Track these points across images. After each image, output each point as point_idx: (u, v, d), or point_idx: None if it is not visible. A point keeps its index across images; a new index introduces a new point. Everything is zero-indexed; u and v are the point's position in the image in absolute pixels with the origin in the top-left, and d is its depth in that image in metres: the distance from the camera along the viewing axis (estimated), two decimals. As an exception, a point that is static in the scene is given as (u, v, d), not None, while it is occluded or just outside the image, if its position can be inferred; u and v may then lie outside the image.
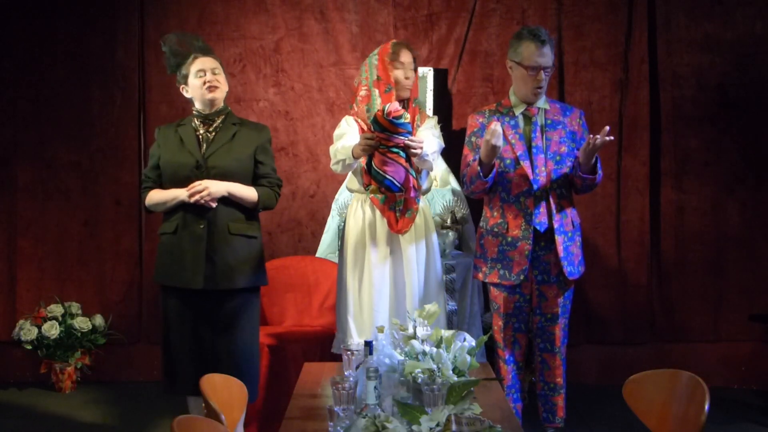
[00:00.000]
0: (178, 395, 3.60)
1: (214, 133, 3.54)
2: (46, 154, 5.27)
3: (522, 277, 3.70)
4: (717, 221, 5.14)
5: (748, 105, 5.12)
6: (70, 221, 5.29)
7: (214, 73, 3.53)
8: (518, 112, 3.75)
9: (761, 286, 5.11)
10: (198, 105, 3.57)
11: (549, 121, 3.76)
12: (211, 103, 3.54)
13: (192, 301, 3.47)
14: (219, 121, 3.56)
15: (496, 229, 3.74)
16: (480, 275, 3.83)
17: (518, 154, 3.69)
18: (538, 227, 3.69)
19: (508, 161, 3.70)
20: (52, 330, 4.97)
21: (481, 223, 3.86)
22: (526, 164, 3.68)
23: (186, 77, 3.56)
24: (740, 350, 5.14)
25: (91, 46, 5.25)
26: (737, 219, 5.14)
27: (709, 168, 5.14)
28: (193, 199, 3.40)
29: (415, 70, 3.76)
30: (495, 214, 3.76)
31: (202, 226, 3.44)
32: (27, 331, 5.01)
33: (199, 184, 3.41)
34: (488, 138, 3.47)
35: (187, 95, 3.59)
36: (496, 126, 3.47)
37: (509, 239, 3.71)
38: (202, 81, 3.51)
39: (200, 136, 3.54)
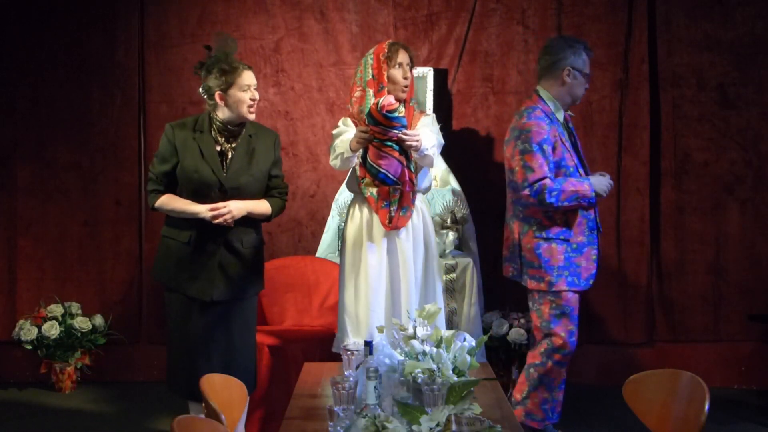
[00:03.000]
0: (178, 396, 3.62)
1: (234, 150, 3.50)
2: (46, 154, 5.27)
3: (591, 282, 3.76)
4: (717, 221, 5.14)
5: (748, 105, 5.11)
6: (70, 221, 5.29)
7: (256, 90, 3.51)
8: (561, 118, 3.79)
9: (761, 286, 5.10)
10: (224, 115, 3.48)
11: (571, 126, 3.87)
12: (244, 119, 3.51)
13: (199, 304, 3.48)
14: (240, 135, 3.52)
15: (562, 237, 3.72)
16: (543, 285, 3.73)
17: (575, 161, 3.75)
18: (599, 228, 3.80)
19: (571, 169, 3.73)
20: (52, 330, 4.97)
21: (535, 233, 3.74)
22: (581, 171, 3.76)
23: (230, 86, 3.43)
24: (740, 350, 5.13)
25: (91, 46, 5.25)
26: (737, 219, 5.13)
27: (709, 168, 5.14)
28: (215, 222, 3.41)
29: (411, 70, 3.76)
30: (558, 221, 3.72)
31: (218, 242, 3.47)
32: (27, 331, 5.01)
33: (223, 207, 3.40)
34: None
35: (221, 103, 3.46)
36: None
37: (574, 246, 3.73)
38: (249, 97, 3.45)
39: (221, 151, 3.49)
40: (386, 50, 3.71)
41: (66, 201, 5.28)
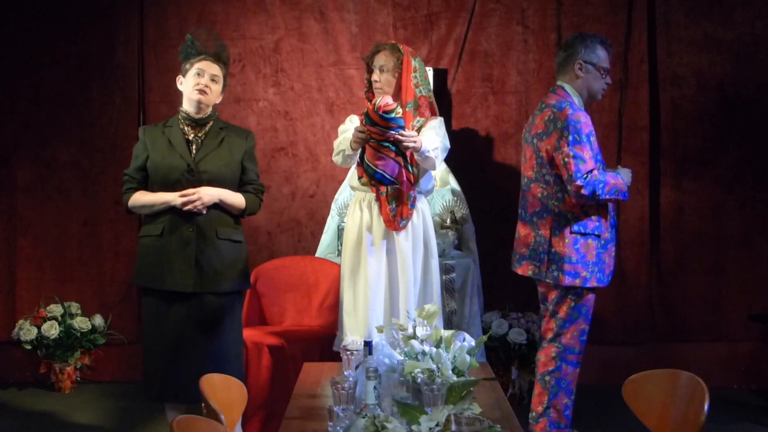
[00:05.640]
0: (151, 400, 3.56)
1: (203, 138, 3.54)
2: (46, 154, 5.27)
3: (610, 278, 3.74)
4: (717, 221, 5.14)
5: (748, 105, 5.11)
6: (69, 221, 5.29)
7: (211, 80, 3.54)
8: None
9: (761, 286, 5.10)
10: (185, 105, 3.57)
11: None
12: (197, 104, 3.53)
13: (174, 303, 3.45)
14: (208, 127, 3.57)
15: (596, 232, 3.67)
16: (578, 281, 3.65)
17: (600, 156, 3.72)
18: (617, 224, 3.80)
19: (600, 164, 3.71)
20: (51, 330, 4.97)
21: (573, 227, 3.65)
22: (604, 165, 3.73)
23: (187, 71, 3.57)
24: (740, 350, 5.13)
25: (91, 46, 5.25)
26: (737, 219, 5.13)
27: (709, 168, 5.14)
28: (185, 208, 3.41)
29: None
30: (592, 217, 3.66)
31: (191, 230, 3.44)
32: (27, 331, 5.01)
33: (193, 193, 3.41)
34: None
35: (180, 87, 3.61)
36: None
37: (602, 242, 3.69)
38: (196, 81, 3.52)
39: (189, 140, 3.53)
40: (369, 53, 3.83)
41: (66, 201, 5.28)
